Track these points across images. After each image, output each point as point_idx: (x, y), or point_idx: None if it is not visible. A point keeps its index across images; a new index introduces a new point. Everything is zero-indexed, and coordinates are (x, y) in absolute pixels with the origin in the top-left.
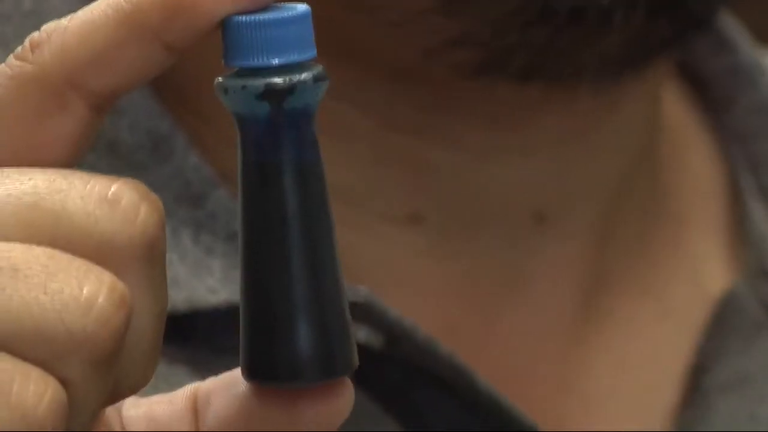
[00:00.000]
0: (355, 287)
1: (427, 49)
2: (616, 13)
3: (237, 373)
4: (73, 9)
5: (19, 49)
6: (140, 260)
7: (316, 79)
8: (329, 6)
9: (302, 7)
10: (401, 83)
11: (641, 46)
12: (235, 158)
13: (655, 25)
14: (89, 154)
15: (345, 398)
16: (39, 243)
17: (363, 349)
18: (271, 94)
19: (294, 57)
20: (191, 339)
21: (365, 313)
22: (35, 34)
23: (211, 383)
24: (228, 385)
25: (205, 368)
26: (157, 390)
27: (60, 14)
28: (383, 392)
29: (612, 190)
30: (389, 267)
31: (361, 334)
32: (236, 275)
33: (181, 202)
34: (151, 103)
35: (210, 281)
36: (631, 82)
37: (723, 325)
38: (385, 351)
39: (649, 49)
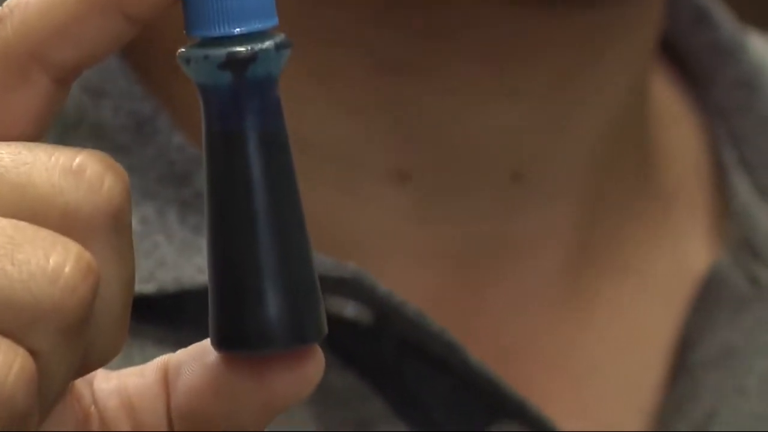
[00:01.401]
0: (344, 263)
1: None
2: None
3: (207, 343)
4: None
5: None
6: (106, 229)
7: (279, 47)
8: None
9: None
10: (391, 19)
11: None
12: None
13: None
14: (73, 138)
15: (315, 365)
16: (4, 215)
17: (352, 326)
18: (233, 63)
19: (256, 25)
20: (179, 321)
21: (354, 289)
22: None
23: (181, 355)
24: (198, 356)
25: None
26: None
27: None
28: (373, 370)
29: (592, 161)
30: (378, 232)
31: (349, 309)
32: None
33: (166, 182)
34: (133, 85)
35: (198, 260)
36: (615, 19)
37: (708, 299)
38: (375, 327)
39: None
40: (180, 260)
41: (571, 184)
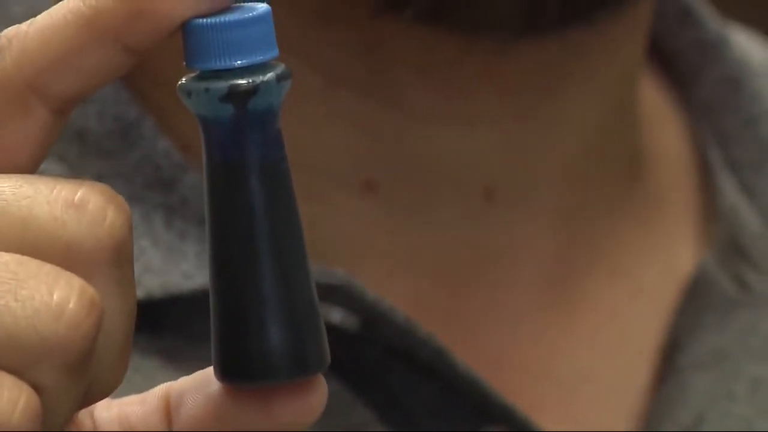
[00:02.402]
0: (332, 269)
1: None
2: None
3: (209, 372)
4: (34, 14)
5: None
6: (109, 263)
7: (280, 78)
8: None
9: (262, 7)
10: (335, 33)
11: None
12: None
13: None
14: (58, 143)
15: (318, 395)
16: (7, 250)
17: (337, 332)
18: (234, 96)
19: (256, 57)
20: (164, 328)
21: (342, 295)
22: None
23: (183, 383)
24: (200, 385)
25: (179, 358)
26: (130, 381)
27: (21, 20)
28: (357, 377)
29: (570, 172)
30: (349, 239)
31: (335, 316)
32: None
33: (152, 187)
34: (118, 90)
35: (185, 266)
36: (584, 38)
37: (695, 302)
38: (361, 333)
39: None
40: (166, 266)
41: (549, 197)
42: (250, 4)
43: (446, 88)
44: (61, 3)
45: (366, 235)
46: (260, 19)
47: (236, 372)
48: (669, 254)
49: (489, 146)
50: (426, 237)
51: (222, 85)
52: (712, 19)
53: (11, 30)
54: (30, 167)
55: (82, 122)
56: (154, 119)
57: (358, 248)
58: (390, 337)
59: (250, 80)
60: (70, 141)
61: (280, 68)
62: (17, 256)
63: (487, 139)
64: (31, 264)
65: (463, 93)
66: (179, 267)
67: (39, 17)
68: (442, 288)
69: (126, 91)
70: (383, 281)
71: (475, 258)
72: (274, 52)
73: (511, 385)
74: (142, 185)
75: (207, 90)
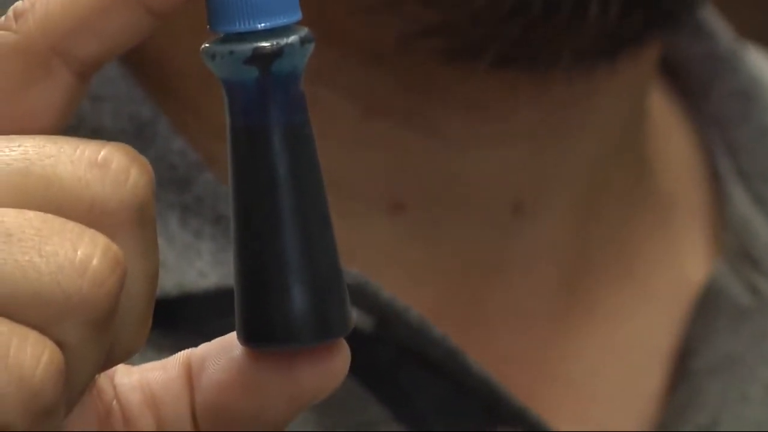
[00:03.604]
0: (347, 270)
1: (403, 35)
2: (591, 8)
3: (231, 337)
4: None
5: (3, 18)
6: (132, 222)
7: (303, 41)
8: None
9: None
10: (380, 68)
11: (615, 39)
12: (221, 143)
13: (630, 19)
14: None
15: (341, 360)
16: (31, 207)
17: (352, 332)
18: (258, 58)
19: (280, 20)
20: (179, 325)
21: (357, 295)
22: (18, 4)
23: (205, 348)
24: (223, 350)
25: None
26: None
27: None
28: (371, 376)
29: (590, 180)
30: (375, 252)
31: None
32: (225, 258)
33: (167, 186)
34: (133, 89)
35: (199, 264)
36: (605, 73)
37: (708, 308)
38: (375, 333)
39: (622, 42)
40: (181, 264)
41: (569, 207)
42: None
43: (480, 112)
44: None
45: (390, 247)
46: None
47: (260, 335)
48: (680, 261)
49: (517, 163)
50: (450, 246)
51: (246, 47)
52: (725, 34)
53: None
54: (53, 130)
55: (97, 120)
56: (170, 119)
57: (380, 258)
58: (404, 337)
59: (275, 42)
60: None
61: (304, 31)
62: (41, 214)
63: (515, 156)
64: (55, 221)
65: (495, 116)
66: (194, 265)
67: None
68: (461, 292)
69: (140, 90)
70: (404, 285)
71: (495, 264)
72: (298, 15)
73: (524, 386)
74: (157, 184)
75: (231, 53)
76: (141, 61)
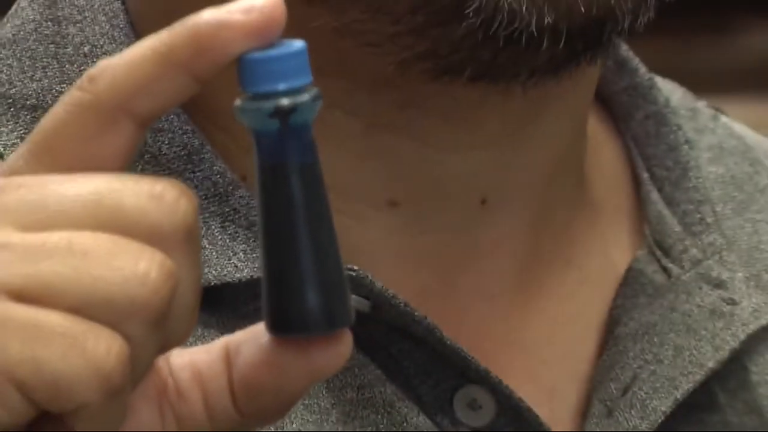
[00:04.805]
0: (350, 266)
1: (401, 61)
2: (543, 39)
3: (260, 327)
4: (121, 50)
5: (79, 81)
6: (182, 242)
7: (314, 99)
8: (323, 33)
9: (300, 43)
10: (381, 89)
11: (561, 61)
12: (252, 165)
13: (571, 46)
14: (138, 164)
15: (346, 344)
16: (102, 231)
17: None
18: (279, 113)
19: (296, 83)
20: (221, 307)
21: (356, 285)
22: (92, 70)
23: (240, 336)
24: (254, 337)
25: (232, 330)
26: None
27: (75, 40)
28: (369, 346)
29: (542, 183)
30: (371, 244)
31: (352, 300)
32: (255, 256)
33: (211, 199)
34: (185, 123)
35: (235, 260)
36: (554, 88)
37: (630, 287)
38: (371, 315)
39: (566, 63)
40: (221, 260)
41: (525, 202)
42: (288, 39)
43: (457, 123)
44: (142, 41)
45: (385, 241)
46: (298, 53)
47: (281, 326)
48: (610, 250)
49: (486, 165)
50: (429, 238)
51: (269, 104)
52: (641, 67)
53: (104, 62)
54: (120, 168)
55: (157, 148)
56: (213, 146)
57: (376, 251)
58: (393, 317)
59: (292, 100)
60: (147, 162)
61: (314, 91)
62: (111, 236)
63: (483, 160)
64: (122, 242)
65: (468, 127)
66: (231, 261)
67: (125, 52)
68: (437, 277)
69: (190, 125)
70: (393, 275)
71: (465, 252)
72: (309, 78)
73: (486, 351)
74: (203, 198)
75: (258, 109)
76: (192, 101)
